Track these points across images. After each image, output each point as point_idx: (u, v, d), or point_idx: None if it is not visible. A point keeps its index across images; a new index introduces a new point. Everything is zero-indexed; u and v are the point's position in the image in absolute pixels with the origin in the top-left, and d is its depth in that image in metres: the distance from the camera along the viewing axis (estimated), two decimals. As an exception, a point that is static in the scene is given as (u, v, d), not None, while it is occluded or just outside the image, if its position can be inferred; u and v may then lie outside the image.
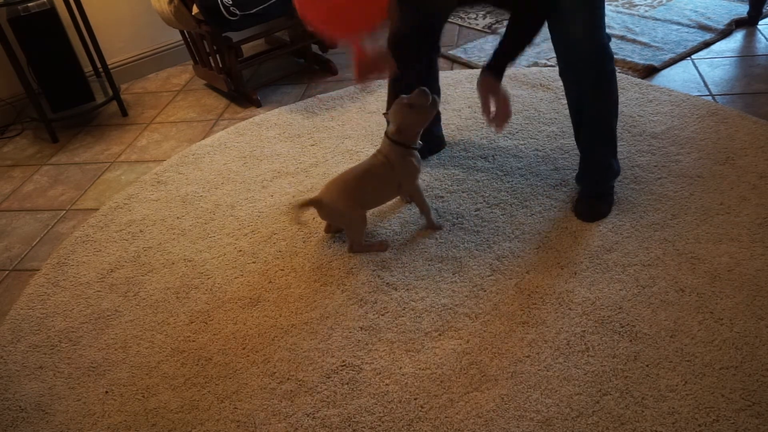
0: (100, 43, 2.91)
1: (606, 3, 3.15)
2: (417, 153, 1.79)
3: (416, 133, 1.76)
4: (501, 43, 1.66)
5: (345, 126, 2.48)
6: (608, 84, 1.68)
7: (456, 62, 2.91)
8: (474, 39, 3.09)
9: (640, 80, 2.45)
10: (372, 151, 2.27)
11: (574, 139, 1.84)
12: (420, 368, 1.45)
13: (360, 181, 1.76)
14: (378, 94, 2.68)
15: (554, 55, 1.73)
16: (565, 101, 2.36)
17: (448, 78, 2.68)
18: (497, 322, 1.53)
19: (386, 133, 1.77)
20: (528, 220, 1.83)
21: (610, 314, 1.50)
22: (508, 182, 2.00)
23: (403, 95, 1.73)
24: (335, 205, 1.75)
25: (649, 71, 2.52)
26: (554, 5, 1.58)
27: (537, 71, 2.64)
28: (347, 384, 1.44)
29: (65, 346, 1.67)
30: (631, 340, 1.43)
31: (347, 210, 1.76)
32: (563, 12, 1.58)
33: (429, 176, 2.08)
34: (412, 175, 1.79)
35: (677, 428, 1.24)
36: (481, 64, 2.79)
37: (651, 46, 2.69)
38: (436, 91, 2.06)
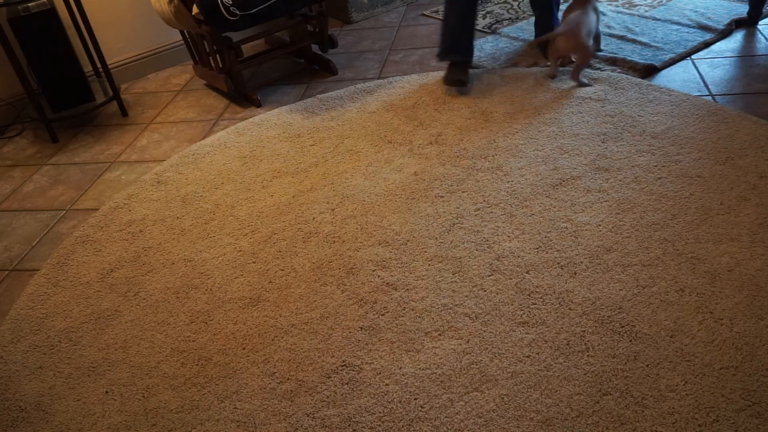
0: (100, 43, 2.91)
1: (606, 3, 3.17)
2: None
3: None
4: None
5: (345, 126, 2.48)
6: None
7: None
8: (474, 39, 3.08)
9: (640, 80, 2.45)
10: (372, 150, 2.28)
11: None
12: (420, 368, 1.45)
13: (586, 18, 2.40)
14: (377, 94, 2.68)
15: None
16: (564, 100, 2.39)
17: (448, 78, 2.68)
18: (497, 322, 1.53)
19: None
20: (528, 220, 1.83)
21: (610, 314, 1.50)
22: (508, 182, 2.00)
23: None
24: (580, 36, 2.37)
25: (649, 71, 2.52)
26: None
27: (537, 71, 2.64)
28: (347, 384, 1.44)
29: (65, 346, 1.67)
30: (631, 340, 1.43)
31: (586, 38, 2.38)
32: None
33: (429, 176, 2.08)
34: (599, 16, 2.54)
35: (677, 428, 1.24)
36: (481, 64, 2.80)
37: (651, 46, 2.69)
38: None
